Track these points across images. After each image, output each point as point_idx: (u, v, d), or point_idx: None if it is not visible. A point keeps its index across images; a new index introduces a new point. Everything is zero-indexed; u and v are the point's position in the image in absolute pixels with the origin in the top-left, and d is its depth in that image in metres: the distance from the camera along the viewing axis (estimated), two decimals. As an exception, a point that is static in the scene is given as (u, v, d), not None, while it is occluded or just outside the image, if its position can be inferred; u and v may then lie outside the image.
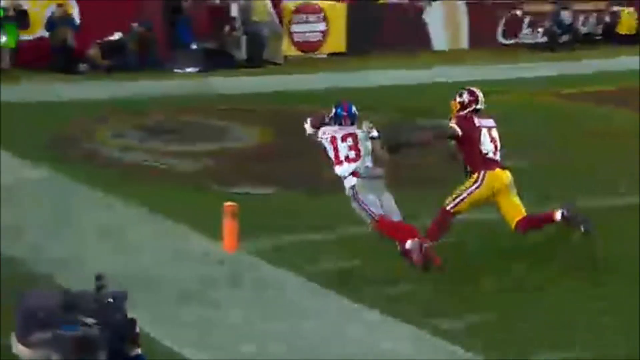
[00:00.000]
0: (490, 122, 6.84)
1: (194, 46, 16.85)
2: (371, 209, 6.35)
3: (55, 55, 15.73)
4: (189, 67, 16.72)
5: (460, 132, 6.68)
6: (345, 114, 6.57)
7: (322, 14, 18.84)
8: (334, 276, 6.36)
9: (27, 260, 6.40)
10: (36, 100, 12.99)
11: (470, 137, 6.67)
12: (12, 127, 10.90)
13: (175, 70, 16.52)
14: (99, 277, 3.17)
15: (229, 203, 7.03)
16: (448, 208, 6.67)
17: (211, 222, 7.26)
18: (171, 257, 6.62)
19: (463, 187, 6.70)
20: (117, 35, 16.14)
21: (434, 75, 15.95)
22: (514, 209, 6.70)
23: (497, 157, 6.74)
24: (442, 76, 15.56)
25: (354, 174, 6.44)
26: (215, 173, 9.18)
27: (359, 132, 6.55)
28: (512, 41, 20.20)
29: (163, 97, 13.77)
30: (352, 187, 6.44)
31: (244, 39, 17.47)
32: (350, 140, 6.52)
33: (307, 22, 18.77)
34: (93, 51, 15.97)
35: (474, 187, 6.67)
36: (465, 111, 6.78)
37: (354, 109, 6.65)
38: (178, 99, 13.58)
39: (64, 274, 6.11)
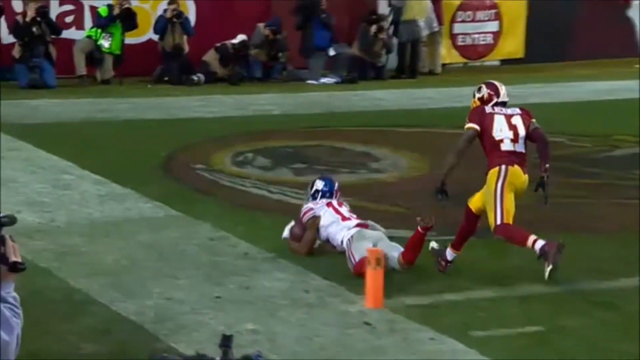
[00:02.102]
0: (514, 110, 7.39)
1: (332, 52, 17.16)
2: (355, 256, 7.40)
3: (165, 63, 16.39)
4: (325, 77, 17.05)
5: (478, 128, 7.30)
6: (329, 190, 8.12)
7: (495, 11, 18.78)
8: (510, 347, 6.31)
9: (133, 312, 6.68)
10: (142, 117, 13.59)
11: (484, 127, 7.28)
12: (117, 150, 11.45)
13: (309, 82, 16.88)
14: (226, 338, 3.32)
15: (372, 248, 7.14)
16: (498, 224, 7.09)
17: (351, 271, 7.40)
18: (303, 313, 6.75)
19: (489, 194, 7.13)
20: (239, 38, 16.65)
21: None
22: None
23: (518, 149, 7.25)
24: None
25: (361, 225, 7.67)
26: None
27: (343, 202, 8.13)
28: None
29: (293, 115, 14.09)
30: (351, 237, 7.53)
31: (394, 42, 17.66)
32: (345, 205, 8.05)
33: (474, 20, 18.75)
34: (210, 57, 16.55)
35: (500, 185, 7.11)
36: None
37: (337, 184, 8.21)
38: (312, 117, 13.87)
39: (173, 330, 6.33)
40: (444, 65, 18.34)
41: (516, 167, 7.19)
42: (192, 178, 10.44)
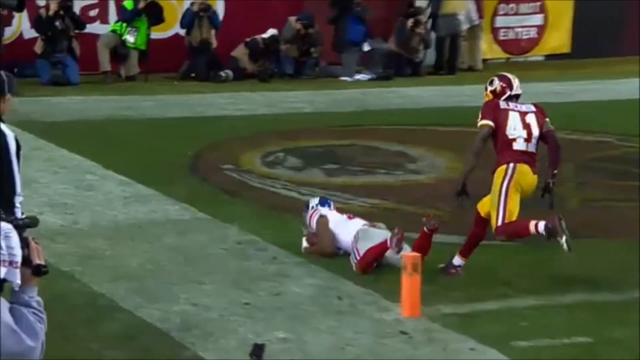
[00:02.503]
0: (529, 107, 7.53)
1: (367, 47, 17.15)
2: (360, 251, 7.63)
3: (192, 59, 16.46)
4: (359, 73, 17.04)
5: (492, 124, 7.41)
6: (325, 201, 8.42)
7: (540, 3, 18.69)
8: (555, 359, 6.26)
9: (158, 319, 6.70)
10: (168, 115, 13.63)
11: (497, 123, 7.40)
12: (142, 149, 11.51)
13: (342, 78, 16.87)
14: (258, 348, 3.36)
15: (408, 253, 7.14)
16: (499, 225, 7.24)
17: (385, 276, 7.41)
18: (335, 321, 6.73)
19: (495, 193, 7.30)
20: (269, 33, 16.69)
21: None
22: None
23: (530, 148, 7.40)
24: None
25: (368, 226, 7.92)
26: (392, 214, 9.32)
27: None
28: None
29: (326, 113, 14.09)
30: (357, 233, 7.77)
31: (432, 37, 17.63)
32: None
33: (517, 14, 18.68)
34: (239, 53, 16.59)
35: (505, 185, 7.26)
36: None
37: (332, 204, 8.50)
38: (345, 116, 13.88)
39: (200, 337, 6.34)
40: (484, 60, 18.27)
41: (525, 166, 7.34)
42: (219, 179, 10.47)
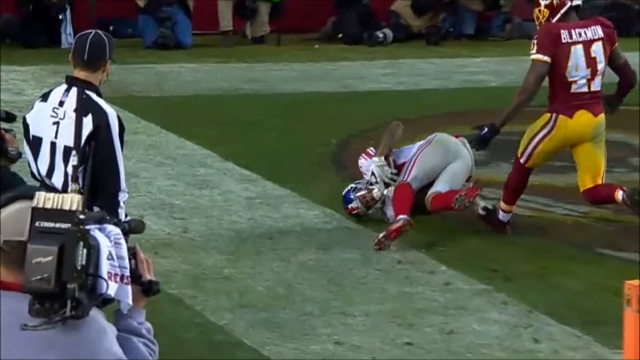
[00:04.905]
0: (595, 31, 8.10)
1: None
2: (411, 171, 8.88)
3: (339, 14, 16.57)
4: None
5: (549, 60, 8.10)
6: None
7: None
8: None
9: (285, 358, 6.86)
10: (307, 89, 13.76)
11: (556, 60, 8.11)
12: (273, 135, 11.66)
13: (541, 41, 16.76)
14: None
15: (634, 281, 7.02)
16: (522, 161, 8.59)
17: (596, 311, 7.35)
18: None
19: (531, 132, 8.53)
20: (442, -20, 16.73)
21: None
22: (591, 167, 8.45)
23: (594, 87, 8.16)
24: None
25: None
26: (607, 227, 9.22)
27: None
28: None
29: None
30: (433, 137, 9.31)
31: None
32: None
33: None
34: (401, 6, 16.64)
35: (541, 135, 8.46)
36: (557, 17, 8.20)
37: None
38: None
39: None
40: None
41: (580, 112, 8.14)
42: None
